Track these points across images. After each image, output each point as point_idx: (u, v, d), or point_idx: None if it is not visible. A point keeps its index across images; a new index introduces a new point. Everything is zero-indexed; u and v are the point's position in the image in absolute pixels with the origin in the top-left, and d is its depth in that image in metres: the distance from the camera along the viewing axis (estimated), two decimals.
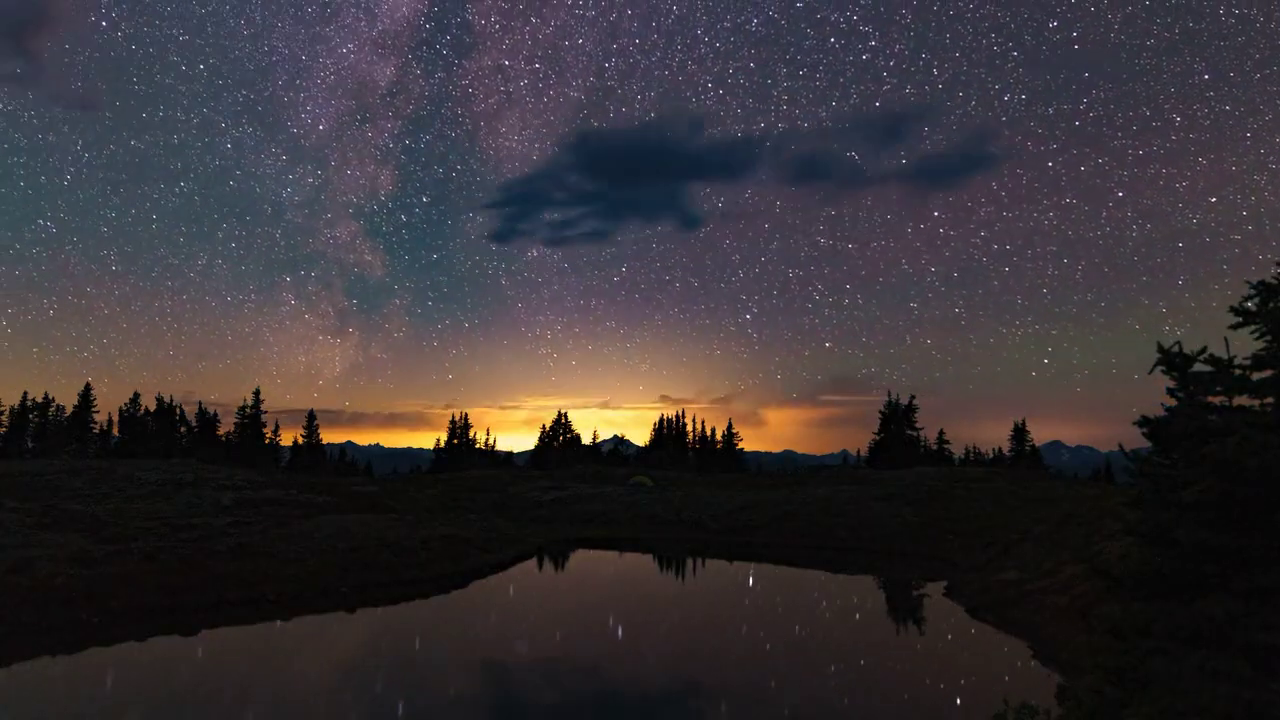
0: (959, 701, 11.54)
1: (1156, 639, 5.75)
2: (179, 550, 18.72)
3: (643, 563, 27.40)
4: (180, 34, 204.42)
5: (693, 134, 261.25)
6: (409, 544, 22.63)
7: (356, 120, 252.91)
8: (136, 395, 63.94)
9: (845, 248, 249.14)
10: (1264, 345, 6.17)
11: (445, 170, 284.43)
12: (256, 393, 65.30)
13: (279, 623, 16.21)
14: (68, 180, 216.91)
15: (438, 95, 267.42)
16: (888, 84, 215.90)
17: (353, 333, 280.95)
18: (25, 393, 61.13)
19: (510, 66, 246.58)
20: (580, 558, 27.70)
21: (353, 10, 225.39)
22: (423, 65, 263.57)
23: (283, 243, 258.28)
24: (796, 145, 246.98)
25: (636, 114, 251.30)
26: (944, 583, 21.63)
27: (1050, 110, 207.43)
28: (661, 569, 26.29)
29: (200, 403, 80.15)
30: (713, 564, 26.69)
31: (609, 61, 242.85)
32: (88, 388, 60.52)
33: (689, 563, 26.88)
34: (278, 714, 10.60)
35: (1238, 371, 6.25)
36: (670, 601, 20.05)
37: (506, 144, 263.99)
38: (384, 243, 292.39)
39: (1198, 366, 6.47)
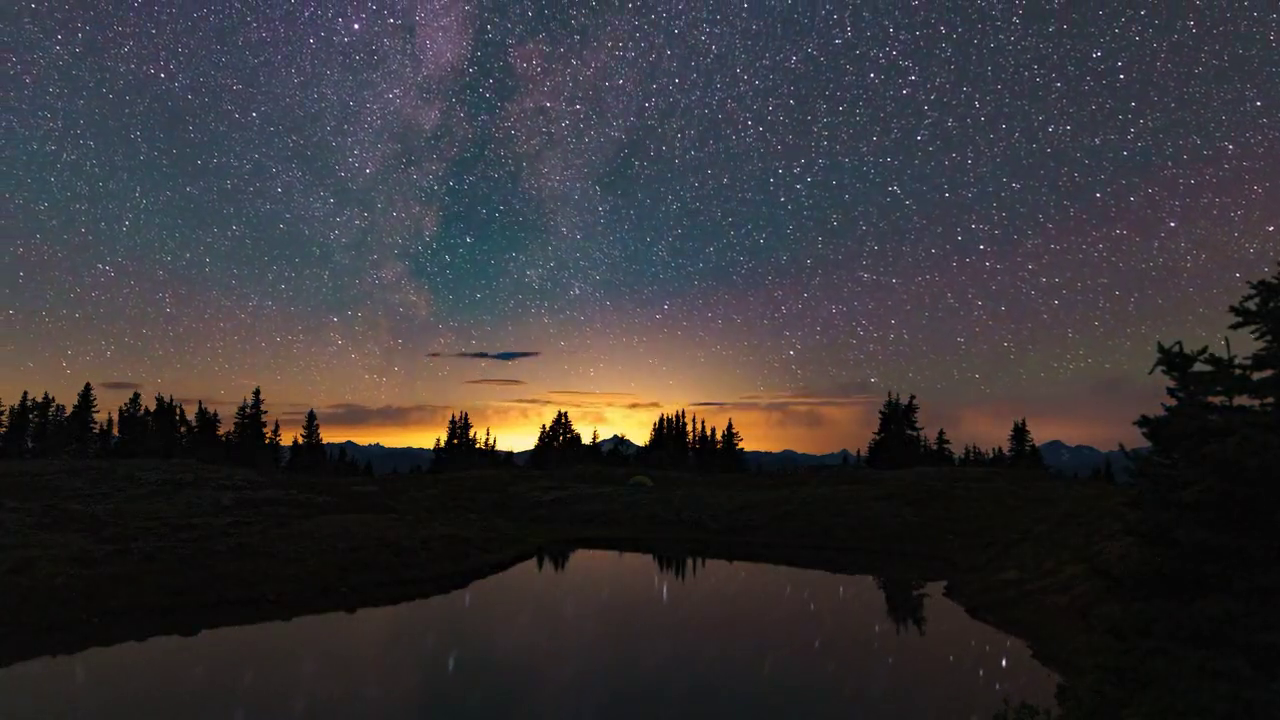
0: (959, 701, 11.54)
1: (1156, 639, 5.75)
2: (179, 550, 18.71)
3: (643, 563, 27.40)
4: (234, 83, 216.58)
5: (732, 169, 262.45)
6: (409, 544, 22.63)
7: (402, 163, 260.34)
8: (136, 395, 63.99)
9: (889, 282, 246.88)
10: (1264, 345, 6.17)
11: (489, 210, 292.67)
12: (256, 392, 65.37)
13: (279, 623, 16.21)
14: (126, 225, 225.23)
15: (481, 137, 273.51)
16: (929, 118, 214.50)
17: (398, 371, 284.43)
18: (25, 392, 61.19)
19: (552, 108, 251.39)
20: (580, 558, 27.71)
21: (398, 57, 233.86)
22: (466, 108, 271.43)
23: (330, 284, 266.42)
24: (838, 181, 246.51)
25: (677, 152, 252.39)
26: (944, 583, 21.63)
27: (1097, 140, 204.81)
28: (662, 569, 26.29)
29: (200, 402, 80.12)
30: (713, 564, 26.69)
31: (649, 101, 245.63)
32: (88, 388, 60.54)
33: (689, 563, 26.88)
34: (278, 714, 10.60)
35: (1238, 371, 6.25)
36: (671, 602, 20.06)
37: (548, 184, 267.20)
38: (429, 282, 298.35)
39: (1198, 366, 6.47)
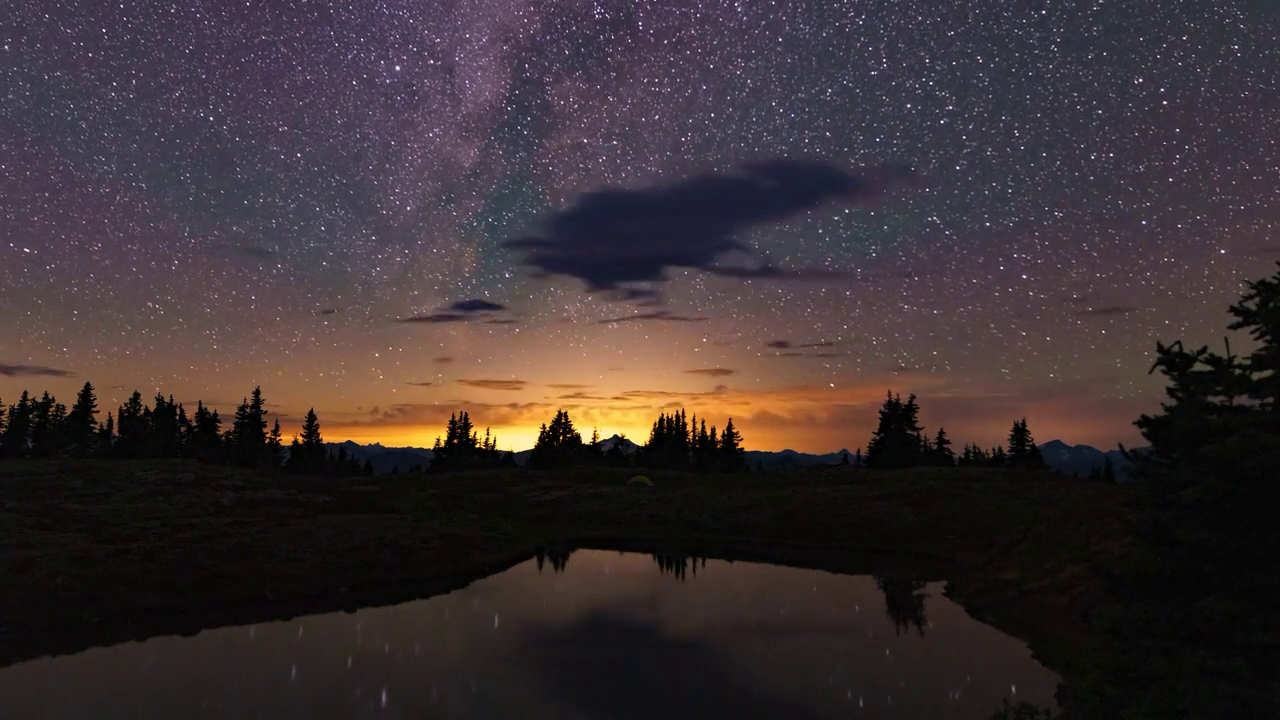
0: (959, 701, 11.54)
1: (1156, 639, 5.75)
2: (179, 550, 18.72)
3: (643, 562, 27.41)
4: (280, 125, 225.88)
5: (772, 203, 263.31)
6: (409, 544, 22.63)
7: (442, 201, 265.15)
8: (136, 395, 63.98)
9: (930, 314, 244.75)
10: (1264, 345, 6.17)
11: (527, 246, 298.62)
12: (256, 392, 65.33)
13: (279, 622, 16.21)
14: (175, 264, 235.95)
15: (519, 174, 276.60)
16: (967, 147, 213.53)
17: (438, 405, 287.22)
18: (25, 392, 61.21)
19: (589, 144, 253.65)
20: (580, 557, 27.71)
21: (438, 97, 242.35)
22: (504, 146, 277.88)
23: (372, 319, 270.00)
24: (876, 211, 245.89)
25: (714, 186, 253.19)
26: (944, 583, 21.63)
27: (1141, 168, 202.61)
28: (661, 568, 26.29)
29: (200, 402, 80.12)
30: (712, 564, 26.69)
31: (684, 136, 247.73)
32: (88, 388, 60.52)
33: (689, 562, 26.88)
34: (279, 714, 10.61)
35: (1238, 371, 6.25)
36: (670, 601, 20.05)
37: (586, 218, 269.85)
38: (468, 317, 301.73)
39: (1198, 366, 6.47)
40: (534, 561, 25.64)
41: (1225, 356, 6.30)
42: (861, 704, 11.51)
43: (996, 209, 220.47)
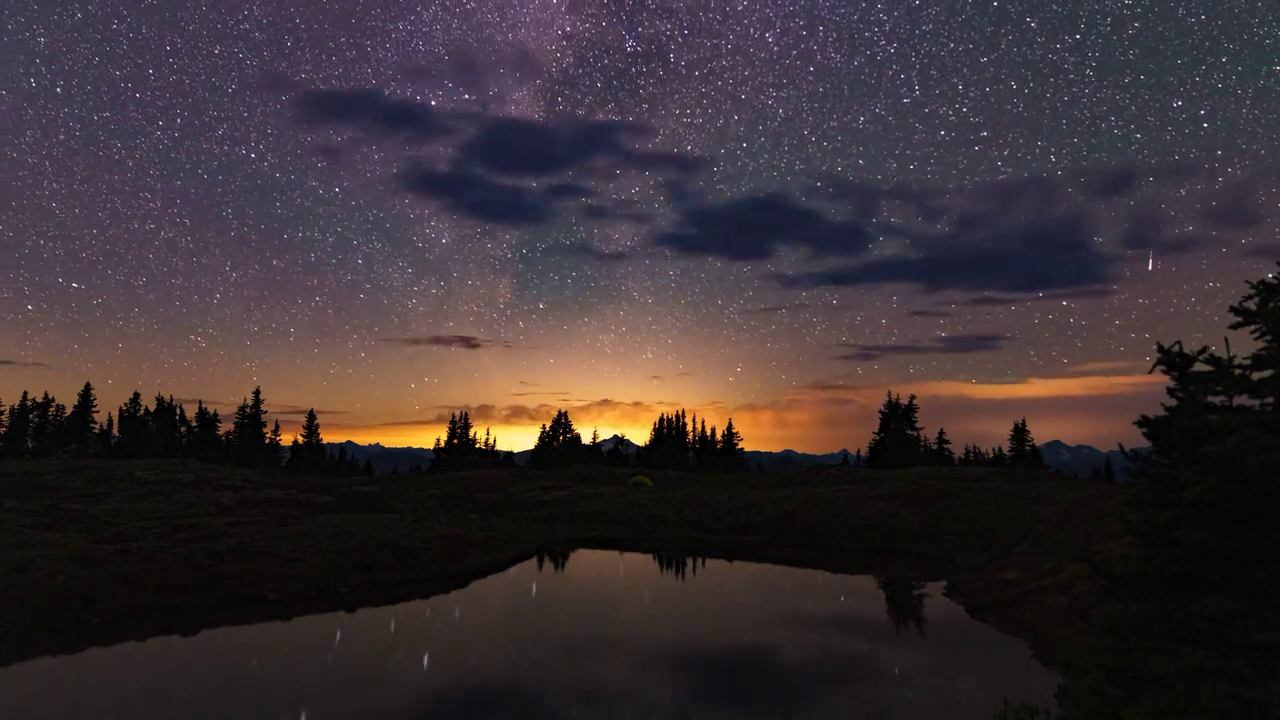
0: (960, 701, 11.54)
1: (1156, 639, 5.75)
2: (179, 550, 18.73)
3: (643, 562, 27.40)
4: (319, 161, 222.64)
5: (804, 227, 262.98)
6: (409, 544, 22.63)
7: (477, 233, 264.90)
8: (136, 395, 63.97)
9: (968, 338, 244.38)
10: (1264, 345, 6.17)
11: (561, 277, 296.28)
12: (256, 392, 65.31)
13: (279, 622, 16.22)
14: (217, 298, 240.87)
15: (554, 206, 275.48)
16: (1003, 174, 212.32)
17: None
18: (25, 392, 61.20)
19: (622, 175, 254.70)
20: (580, 557, 27.71)
21: (473, 130, 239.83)
22: (540, 178, 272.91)
23: (409, 351, 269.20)
24: (912, 240, 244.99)
25: (745, 213, 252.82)
26: (944, 583, 21.62)
27: (1182, 191, 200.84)
28: (661, 569, 26.29)
29: (200, 402, 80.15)
30: (712, 564, 26.69)
31: (717, 166, 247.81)
32: (88, 388, 60.52)
33: (689, 563, 26.88)
34: (279, 714, 10.60)
35: (1238, 371, 6.25)
36: (670, 602, 20.05)
37: (619, 249, 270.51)
38: (503, 349, 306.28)
39: (1198, 366, 6.47)
40: (534, 562, 25.64)
41: (1225, 356, 6.31)
42: (861, 705, 11.51)
43: (1033, 231, 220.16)
